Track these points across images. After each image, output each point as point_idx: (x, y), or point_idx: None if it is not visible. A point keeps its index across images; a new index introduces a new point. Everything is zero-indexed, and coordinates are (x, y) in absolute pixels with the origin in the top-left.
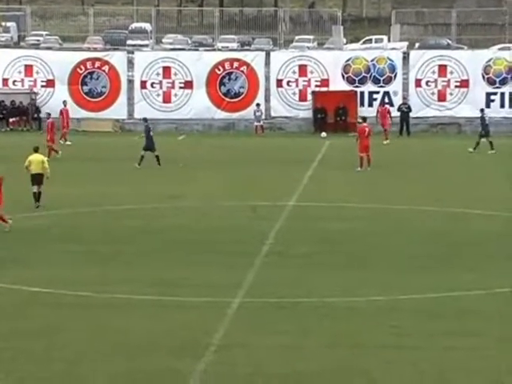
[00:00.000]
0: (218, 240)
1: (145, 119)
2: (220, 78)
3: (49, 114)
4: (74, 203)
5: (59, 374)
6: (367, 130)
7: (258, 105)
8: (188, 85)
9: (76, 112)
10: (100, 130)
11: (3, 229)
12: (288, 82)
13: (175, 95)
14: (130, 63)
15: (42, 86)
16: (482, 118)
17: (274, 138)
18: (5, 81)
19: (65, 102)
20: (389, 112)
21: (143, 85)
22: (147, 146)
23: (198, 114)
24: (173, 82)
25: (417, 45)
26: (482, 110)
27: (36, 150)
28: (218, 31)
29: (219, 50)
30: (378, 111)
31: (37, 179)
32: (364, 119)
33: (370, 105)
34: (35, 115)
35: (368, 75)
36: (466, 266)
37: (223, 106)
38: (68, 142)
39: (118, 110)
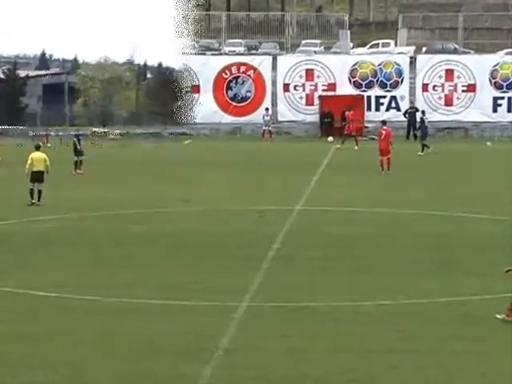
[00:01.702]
0: (225, 244)
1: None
2: (227, 82)
3: None
4: (80, 207)
5: (65, 378)
6: (384, 133)
7: (267, 109)
8: (195, 89)
9: None
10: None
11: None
12: (295, 87)
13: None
14: None
15: None
16: (422, 121)
17: (280, 143)
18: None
19: None
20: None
21: None
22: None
23: (204, 118)
24: None
25: (424, 49)
26: (423, 112)
27: (37, 148)
28: (225, 35)
29: (226, 54)
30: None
31: (38, 177)
32: (384, 122)
33: (377, 109)
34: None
35: (375, 79)
36: (473, 270)
37: (230, 110)
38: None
39: None
